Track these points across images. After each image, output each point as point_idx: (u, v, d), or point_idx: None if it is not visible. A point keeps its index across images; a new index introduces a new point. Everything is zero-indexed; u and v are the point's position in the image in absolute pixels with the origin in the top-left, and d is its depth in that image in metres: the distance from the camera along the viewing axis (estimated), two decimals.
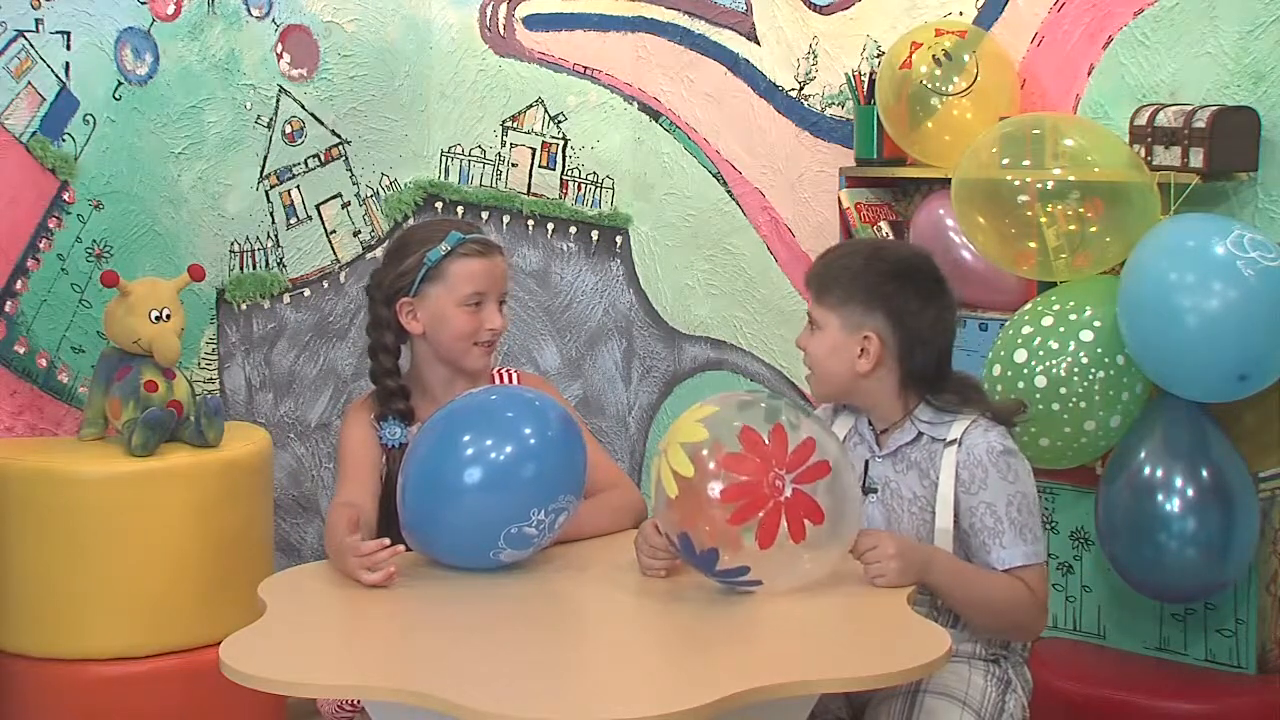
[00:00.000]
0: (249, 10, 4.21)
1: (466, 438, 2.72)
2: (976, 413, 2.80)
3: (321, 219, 4.41)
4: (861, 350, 2.79)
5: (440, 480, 2.72)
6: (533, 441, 2.72)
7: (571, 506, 2.77)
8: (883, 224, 4.09)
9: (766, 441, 2.56)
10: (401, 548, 2.73)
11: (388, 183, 4.54)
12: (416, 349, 3.10)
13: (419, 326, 3.04)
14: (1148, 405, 3.48)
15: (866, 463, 2.86)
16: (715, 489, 2.55)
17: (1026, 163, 3.50)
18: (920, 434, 2.81)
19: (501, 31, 4.67)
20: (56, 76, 3.86)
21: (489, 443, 2.71)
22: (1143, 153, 3.52)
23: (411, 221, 4.51)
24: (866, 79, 4.10)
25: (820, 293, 2.84)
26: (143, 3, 3.99)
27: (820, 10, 4.36)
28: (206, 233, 4.16)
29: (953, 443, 2.77)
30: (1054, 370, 3.44)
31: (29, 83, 3.82)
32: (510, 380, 3.16)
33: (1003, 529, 2.73)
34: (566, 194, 4.72)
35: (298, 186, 4.36)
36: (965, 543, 2.77)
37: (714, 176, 4.62)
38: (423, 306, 3.04)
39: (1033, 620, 2.79)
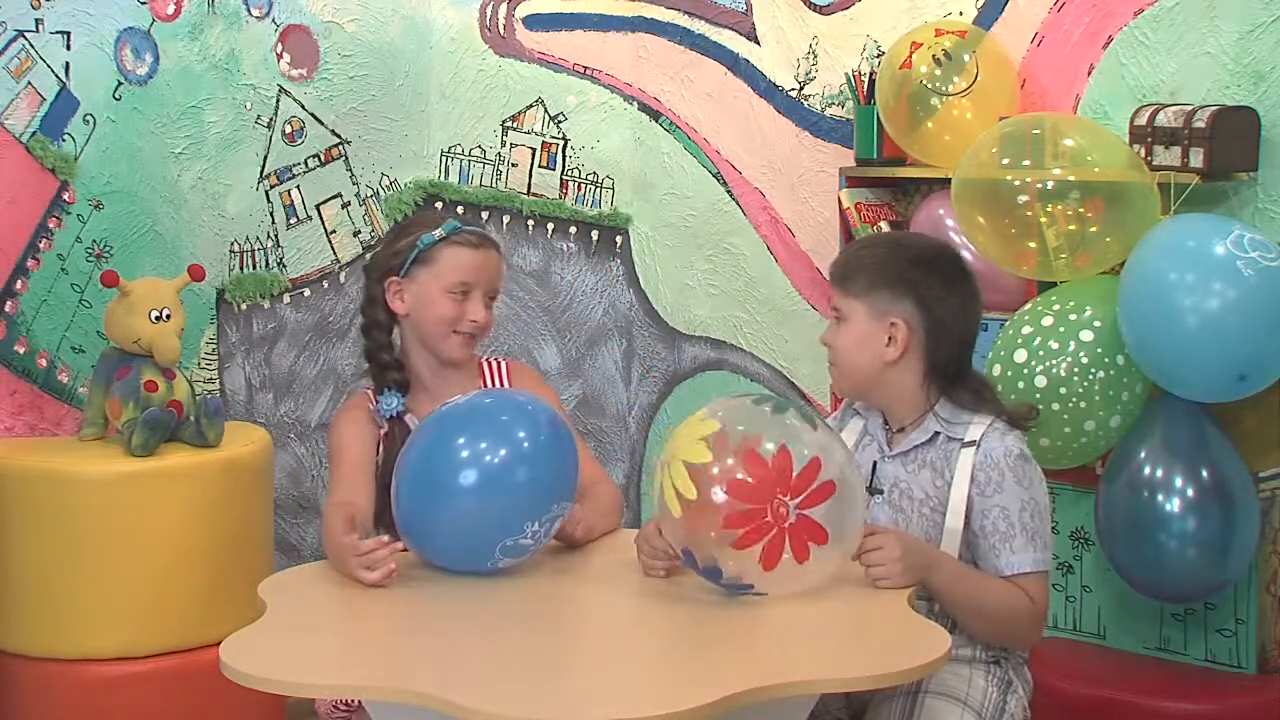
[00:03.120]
0: (249, 10, 4.21)
1: (460, 440, 2.71)
2: (992, 414, 2.79)
3: (321, 219, 4.41)
4: (889, 338, 2.78)
5: (434, 483, 2.71)
6: (526, 445, 2.71)
7: (565, 513, 2.77)
8: (883, 224, 4.09)
9: (770, 466, 2.54)
10: (400, 545, 2.73)
11: (388, 183, 4.53)
12: (404, 333, 3.12)
13: (403, 307, 3.08)
14: (1148, 405, 3.48)
15: (875, 463, 2.85)
16: (719, 515, 2.53)
17: (1026, 163, 3.50)
18: (937, 433, 2.80)
19: (501, 31, 4.67)
20: (56, 76, 3.86)
21: (483, 445, 2.70)
22: (1143, 153, 3.52)
23: None
24: (866, 79, 4.10)
25: (845, 283, 2.83)
26: (143, 3, 3.99)
27: (820, 10, 4.36)
28: (206, 233, 4.16)
29: (971, 444, 2.76)
30: (1054, 370, 3.44)
31: (29, 83, 3.82)
32: (498, 369, 3.18)
33: (1014, 534, 2.72)
34: (566, 194, 4.72)
35: (298, 186, 4.36)
36: (974, 545, 2.76)
37: (714, 176, 4.61)
38: (409, 287, 3.06)
39: (1030, 630, 2.78)
